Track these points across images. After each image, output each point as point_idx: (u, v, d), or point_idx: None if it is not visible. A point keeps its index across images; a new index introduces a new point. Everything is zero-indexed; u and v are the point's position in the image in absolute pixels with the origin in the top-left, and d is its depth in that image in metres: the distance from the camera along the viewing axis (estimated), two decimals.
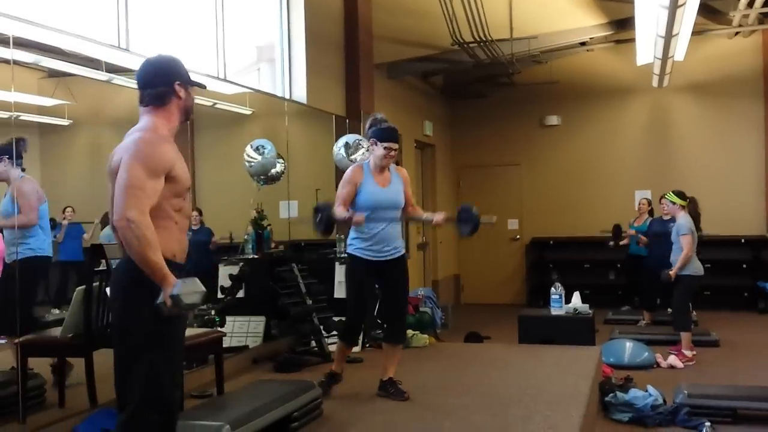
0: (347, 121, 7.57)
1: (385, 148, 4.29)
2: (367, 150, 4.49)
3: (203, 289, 2.52)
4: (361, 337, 6.19)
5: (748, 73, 10.85)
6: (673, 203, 7.11)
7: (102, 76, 5.15)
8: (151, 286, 2.50)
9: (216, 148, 6.98)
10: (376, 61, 8.46)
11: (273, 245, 6.37)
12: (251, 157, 6.09)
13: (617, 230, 9.30)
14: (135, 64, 4.98)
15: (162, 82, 2.71)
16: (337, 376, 4.58)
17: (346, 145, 6.67)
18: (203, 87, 2.96)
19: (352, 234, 4.39)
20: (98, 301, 4.06)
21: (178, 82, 2.72)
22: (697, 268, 6.95)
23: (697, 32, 9.06)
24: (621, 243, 9.31)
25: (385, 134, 4.31)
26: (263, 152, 6.07)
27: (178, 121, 2.77)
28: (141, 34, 4.77)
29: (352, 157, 6.58)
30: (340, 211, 4.20)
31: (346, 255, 4.52)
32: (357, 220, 4.18)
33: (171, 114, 2.73)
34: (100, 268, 4.17)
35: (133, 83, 5.70)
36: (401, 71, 9.57)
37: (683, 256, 6.82)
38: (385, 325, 4.62)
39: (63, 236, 5.35)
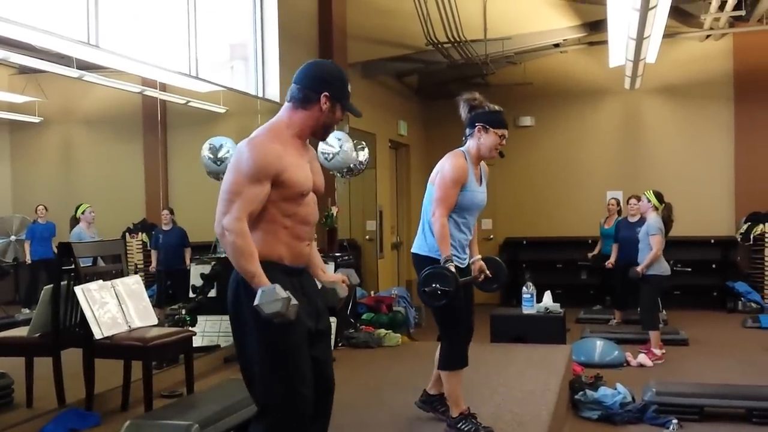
0: None
1: (500, 135, 3.73)
2: (468, 137, 3.80)
3: (283, 295, 2.35)
4: (334, 336, 6.21)
5: (718, 76, 11.01)
6: (648, 201, 7.16)
7: (73, 73, 5.11)
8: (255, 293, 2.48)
9: (189, 147, 6.94)
10: (351, 60, 8.47)
11: None
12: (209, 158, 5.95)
13: (596, 259, 9.55)
14: (105, 60, 4.97)
15: (310, 86, 2.59)
16: (473, 414, 3.75)
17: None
18: (358, 115, 2.76)
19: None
20: (66, 300, 4.02)
21: (326, 94, 2.58)
22: (664, 268, 7.04)
23: (668, 35, 9.17)
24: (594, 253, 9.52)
25: (498, 119, 3.75)
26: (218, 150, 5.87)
27: (311, 131, 2.63)
28: (111, 30, 4.72)
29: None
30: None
31: (428, 258, 3.72)
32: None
33: (306, 119, 2.60)
34: (69, 267, 4.12)
35: (103, 80, 5.67)
36: (376, 71, 9.59)
37: (652, 254, 6.92)
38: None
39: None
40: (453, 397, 3.75)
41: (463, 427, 3.69)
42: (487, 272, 3.96)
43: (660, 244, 6.92)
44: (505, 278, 4.07)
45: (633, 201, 8.60)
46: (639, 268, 6.99)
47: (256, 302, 2.35)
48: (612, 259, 8.84)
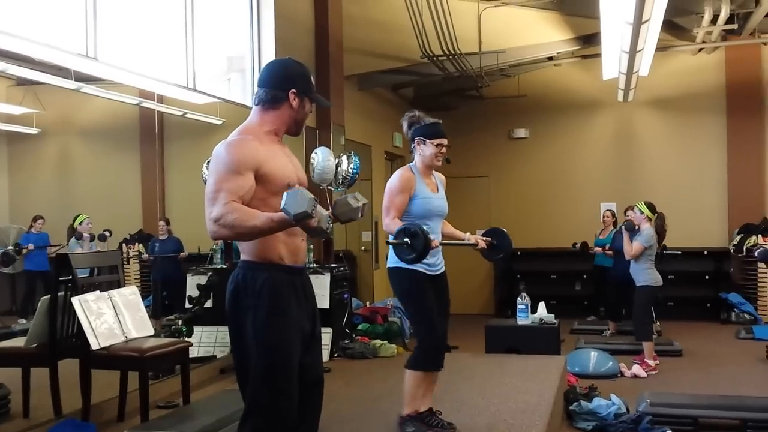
0: (317, 132, 7.61)
1: (436, 145, 3.90)
2: (412, 152, 3.99)
3: (309, 196, 2.26)
4: (329, 347, 6.23)
5: (711, 88, 11.09)
6: (641, 212, 7.24)
7: (71, 84, 5.14)
8: (255, 294, 2.50)
9: (186, 158, 6.98)
10: (347, 73, 8.52)
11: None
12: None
13: (584, 248, 9.48)
14: (103, 72, 5.01)
15: (276, 86, 2.63)
16: (421, 414, 3.91)
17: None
18: (327, 105, 2.82)
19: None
20: (63, 311, 4.04)
21: (293, 91, 2.62)
22: (655, 278, 7.09)
23: (661, 48, 9.26)
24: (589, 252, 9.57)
25: (433, 130, 3.93)
26: None
27: (285, 128, 2.67)
28: (110, 43, 4.76)
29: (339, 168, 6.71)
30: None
31: (397, 270, 3.85)
32: (435, 245, 3.57)
33: (278, 118, 2.64)
34: (66, 277, 4.14)
35: (101, 92, 5.69)
36: (372, 83, 9.65)
37: (627, 249, 7.10)
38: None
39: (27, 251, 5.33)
40: (408, 396, 3.88)
41: (407, 428, 3.83)
42: (484, 239, 4.04)
43: (639, 250, 7.01)
44: (510, 247, 4.13)
45: (630, 212, 8.67)
46: (627, 232, 7.21)
47: (282, 206, 2.28)
48: (609, 251, 8.92)
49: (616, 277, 8.45)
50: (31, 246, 5.24)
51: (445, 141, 3.94)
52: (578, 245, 9.49)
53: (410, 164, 3.99)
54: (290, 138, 2.75)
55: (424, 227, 3.66)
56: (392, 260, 3.87)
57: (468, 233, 4.10)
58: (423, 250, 3.42)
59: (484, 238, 4.06)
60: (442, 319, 3.95)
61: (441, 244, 3.85)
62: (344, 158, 6.86)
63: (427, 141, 3.91)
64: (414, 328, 4.00)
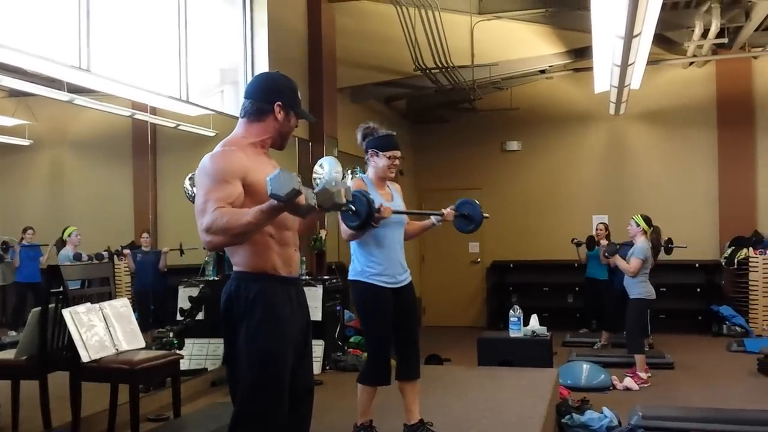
0: (310, 144, 7.61)
1: (388, 157, 3.93)
2: (367, 162, 4.02)
3: (294, 173, 2.23)
4: (321, 360, 6.21)
5: (701, 102, 11.17)
6: (637, 225, 7.26)
7: (63, 96, 5.13)
8: (248, 303, 2.49)
9: (180, 170, 6.96)
10: (340, 85, 8.54)
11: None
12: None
13: (591, 240, 9.41)
14: (96, 84, 5.00)
15: (262, 98, 2.63)
16: (373, 428, 4.03)
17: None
18: (311, 120, 2.85)
19: (361, 259, 3.88)
20: (54, 323, 4.02)
21: (279, 103, 2.63)
22: (648, 291, 7.11)
23: (652, 62, 9.32)
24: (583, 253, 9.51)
25: (385, 142, 3.95)
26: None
27: (270, 140, 2.66)
28: (103, 54, 4.76)
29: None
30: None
31: (355, 282, 3.91)
32: (386, 209, 3.62)
33: (263, 130, 2.64)
34: (57, 289, 4.12)
35: (94, 104, 5.68)
36: (364, 95, 9.67)
37: (625, 268, 7.10)
38: (399, 360, 4.02)
39: (18, 259, 5.31)
40: (360, 406, 3.99)
41: None
42: (451, 209, 4.11)
43: (637, 267, 7.01)
44: (481, 218, 4.16)
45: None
46: (612, 256, 7.29)
47: (268, 192, 2.22)
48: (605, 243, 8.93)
49: (616, 288, 8.42)
50: (17, 247, 5.23)
51: (398, 153, 3.98)
52: (579, 240, 9.38)
53: (363, 175, 4.06)
54: (283, 150, 2.74)
55: (381, 235, 3.76)
56: (353, 272, 3.93)
57: (434, 215, 4.16)
58: (367, 214, 3.37)
59: (451, 207, 4.12)
60: (408, 331, 3.97)
61: (397, 212, 3.88)
62: (349, 173, 6.84)
63: (380, 153, 3.95)
64: (365, 342, 4.06)
